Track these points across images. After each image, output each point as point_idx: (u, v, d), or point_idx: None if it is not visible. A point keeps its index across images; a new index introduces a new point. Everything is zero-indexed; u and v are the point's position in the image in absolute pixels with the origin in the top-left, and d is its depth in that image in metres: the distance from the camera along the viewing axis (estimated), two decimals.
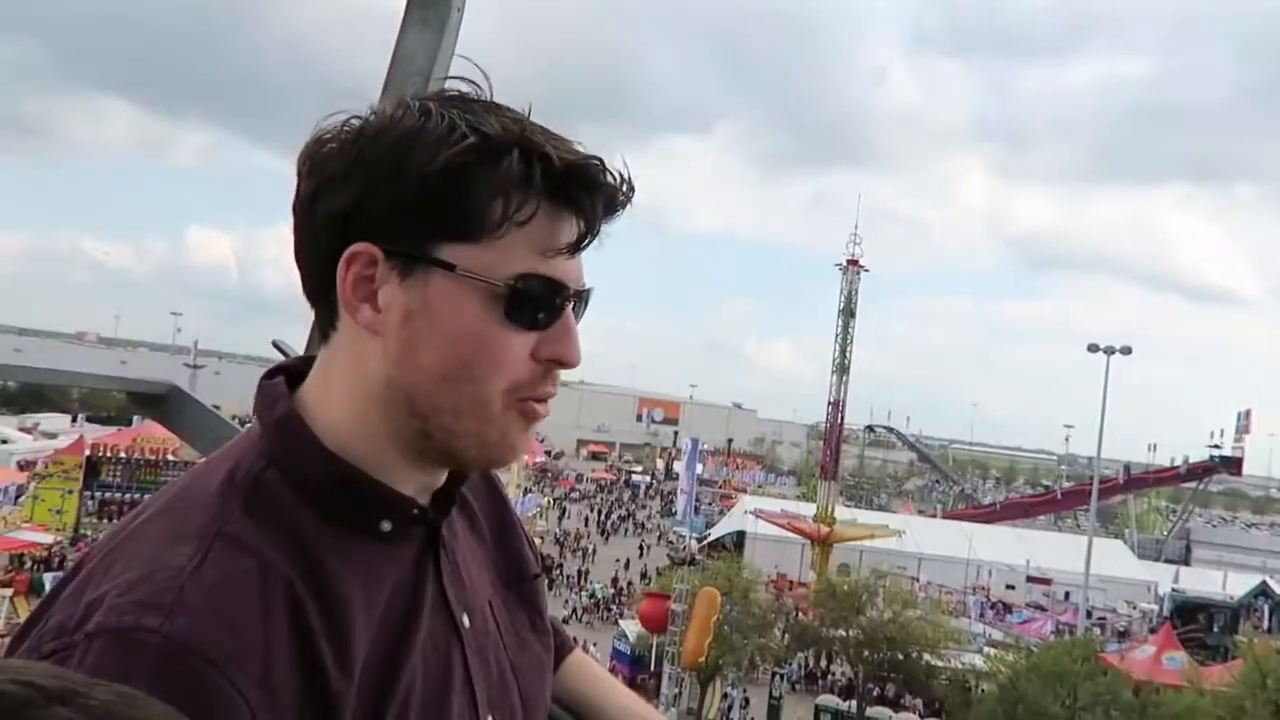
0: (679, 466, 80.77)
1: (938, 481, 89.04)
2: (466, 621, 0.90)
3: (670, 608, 22.09)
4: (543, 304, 0.81)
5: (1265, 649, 21.55)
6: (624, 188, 0.83)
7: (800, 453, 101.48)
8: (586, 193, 0.81)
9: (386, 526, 0.83)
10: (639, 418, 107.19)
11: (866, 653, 25.02)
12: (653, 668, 23.95)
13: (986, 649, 26.62)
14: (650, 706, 1.26)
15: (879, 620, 25.06)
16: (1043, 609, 39.42)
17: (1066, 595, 41.96)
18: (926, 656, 24.55)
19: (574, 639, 1.23)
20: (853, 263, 42.75)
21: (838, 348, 43.34)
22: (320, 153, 0.81)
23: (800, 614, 26.90)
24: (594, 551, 42.84)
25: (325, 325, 0.86)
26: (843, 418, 45.12)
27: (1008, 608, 39.90)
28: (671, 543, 45.76)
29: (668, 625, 22.05)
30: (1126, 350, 32.85)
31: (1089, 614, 40.40)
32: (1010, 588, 43.24)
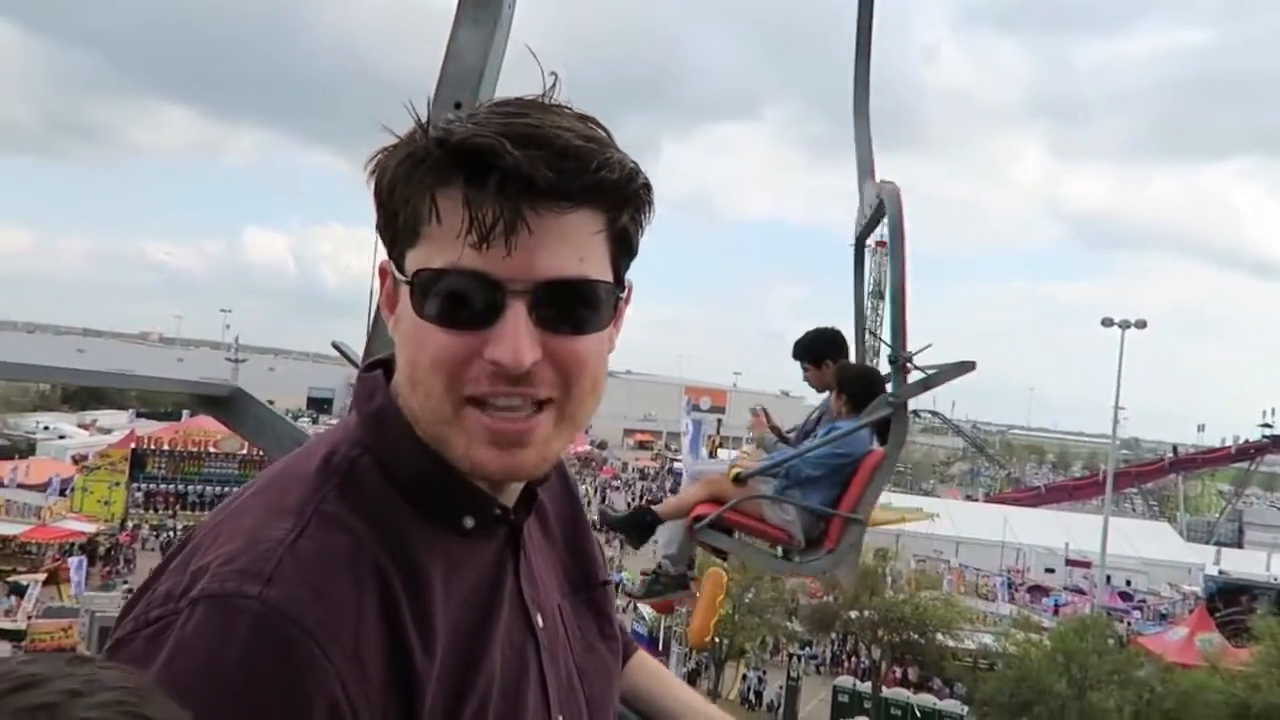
0: (723, 454, 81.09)
1: (985, 466, 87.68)
2: (540, 621, 0.93)
3: None
4: (455, 298, 0.79)
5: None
6: (548, 164, 0.76)
7: None
8: (478, 175, 0.77)
9: (469, 523, 0.87)
10: (694, 407, 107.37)
11: (883, 634, 25.01)
12: (659, 648, 24.27)
13: (1003, 630, 26.40)
14: (710, 702, 1.29)
15: (894, 601, 25.02)
16: (1081, 592, 38.84)
17: (1108, 579, 41.33)
18: (940, 636, 24.46)
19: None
20: (882, 244, 42.34)
21: (868, 331, 43.02)
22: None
23: (811, 596, 26.91)
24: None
25: None
26: None
27: (1044, 591, 39.42)
28: None
29: (674, 606, 22.28)
30: (1141, 324, 32.22)
31: (1129, 596, 39.81)
32: (1050, 571, 42.71)
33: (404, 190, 0.80)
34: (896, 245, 3.42)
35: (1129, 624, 34.90)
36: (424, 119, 0.79)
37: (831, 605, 25.67)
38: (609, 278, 0.83)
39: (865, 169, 4.15)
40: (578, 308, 0.81)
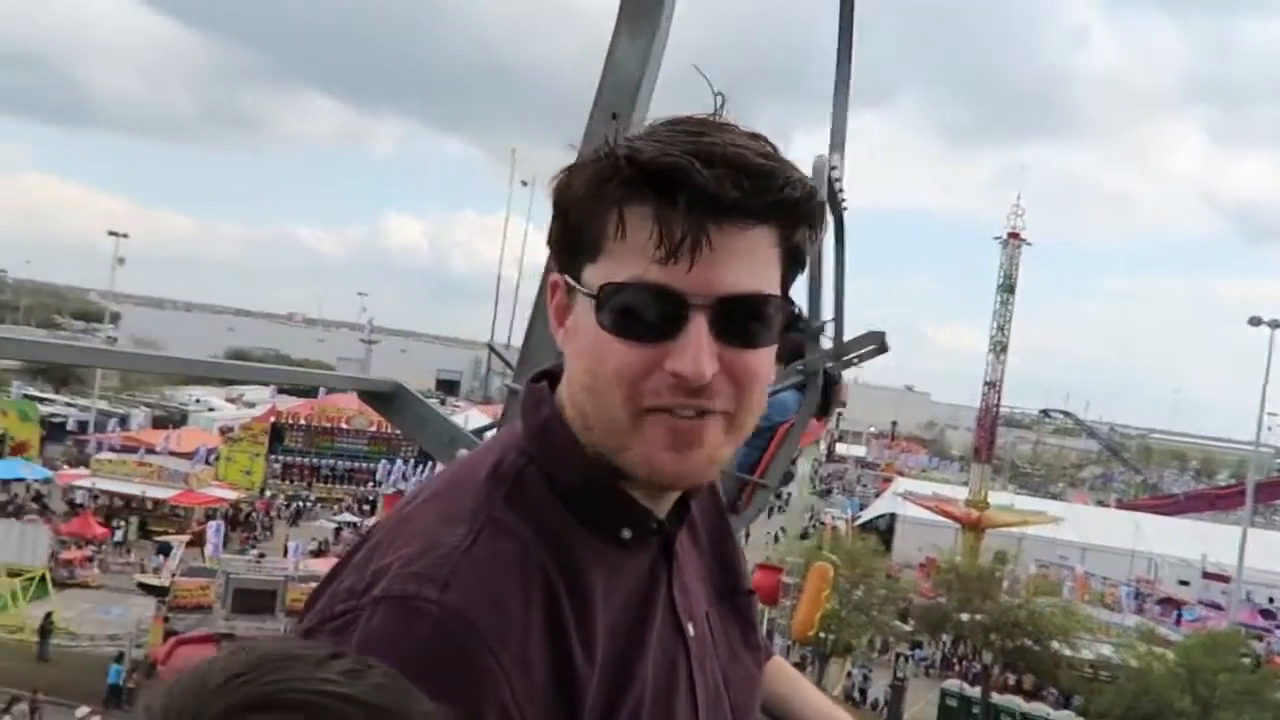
0: (841, 448, 79.91)
1: (1120, 470, 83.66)
2: (691, 630, 0.94)
3: (782, 579, 22.31)
4: (640, 312, 0.81)
5: None
6: (737, 183, 0.79)
7: (972, 438, 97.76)
8: (668, 192, 0.79)
9: (627, 534, 0.89)
10: None
11: (994, 638, 24.39)
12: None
13: (1126, 641, 25.32)
14: (839, 708, 1.30)
15: (1008, 605, 24.35)
16: (1217, 607, 36.78)
17: (1249, 595, 39.01)
18: (1056, 644, 23.68)
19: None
20: (1014, 236, 40.98)
21: (995, 325, 41.73)
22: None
23: (923, 595, 26.43)
24: (747, 534, 43.17)
25: None
26: (999, 398, 43.41)
27: (1176, 604, 37.51)
28: (824, 523, 45.55)
29: (779, 597, 22.29)
30: None
31: (1272, 614, 37.48)
32: (1184, 583, 40.60)
33: (589, 205, 0.82)
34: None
35: (1269, 644, 32.92)
36: (613, 138, 0.83)
37: (943, 606, 25.17)
38: (779, 292, 0.86)
39: (838, 141, 4.32)
40: (753, 322, 0.83)
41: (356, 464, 39.31)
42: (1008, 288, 41.37)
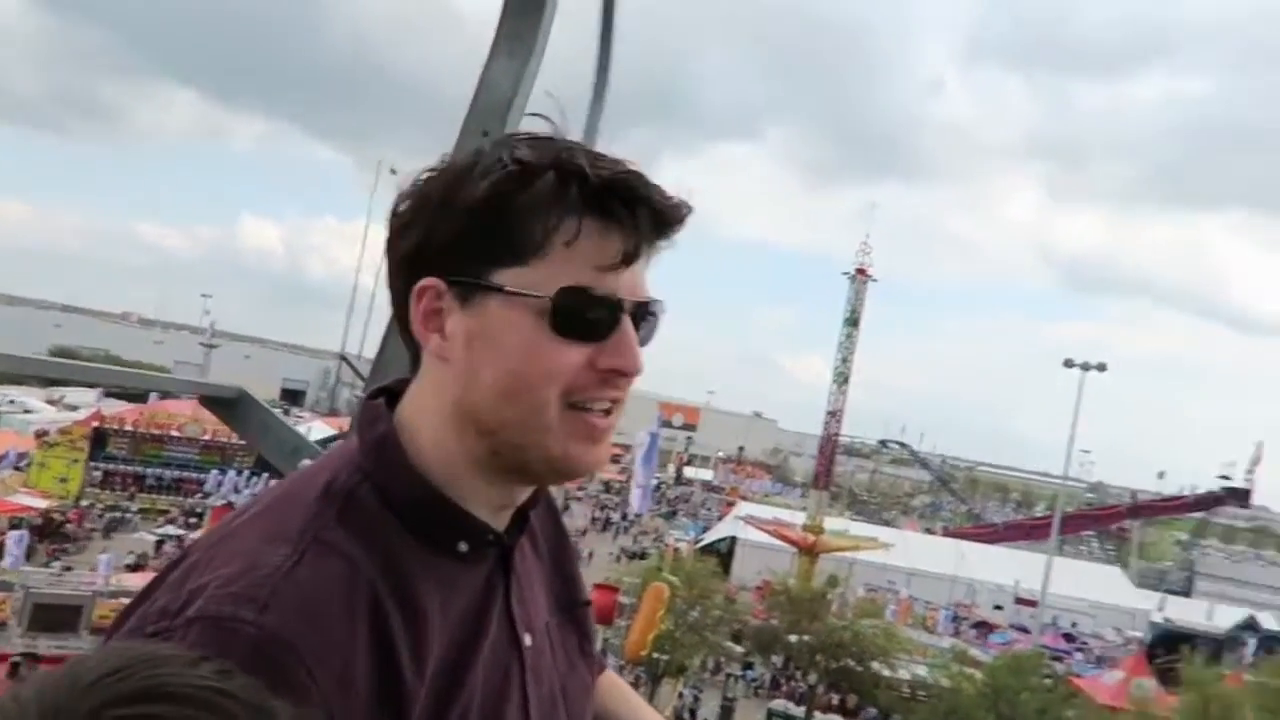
0: (690, 471, 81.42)
1: (948, 500, 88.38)
2: (528, 640, 0.96)
3: (618, 600, 22.54)
4: (590, 315, 0.86)
5: (1210, 677, 21.59)
6: (673, 202, 0.89)
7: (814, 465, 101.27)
8: (628, 207, 0.86)
9: (464, 547, 0.90)
10: (663, 423, 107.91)
11: (820, 658, 25.31)
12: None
13: (940, 663, 26.75)
14: None
15: (833, 627, 25.32)
16: (1026, 630, 39.28)
17: (1054, 620, 41.84)
18: (876, 665, 24.78)
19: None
20: (861, 272, 42.87)
21: (839, 357, 43.43)
22: (397, 206, 0.91)
23: (755, 617, 27.18)
24: (590, 554, 43.26)
25: (415, 361, 0.94)
26: (839, 428, 45.18)
27: (990, 627, 39.86)
28: (667, 545, 46.18)
29: (614, 617, 22.51)
30: (1101, 367, 32.83)
31: (1073, 638, 40.32)
32: (998, 608, 43.15)
33: (531, 211, 0.85)
34: None
35: (1068, 665, 35.39)
36: (557, 148, 0.87)
37: (773, 627, 25.94)
38: None
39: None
40: (652, 323, 0.92)
41: (186, 474, 37.33)
42: (852, 321, 43.18)
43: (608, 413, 0.90)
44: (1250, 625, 37.10)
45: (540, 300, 0.85)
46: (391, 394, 0.96)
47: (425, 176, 0.90)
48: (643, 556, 34.88)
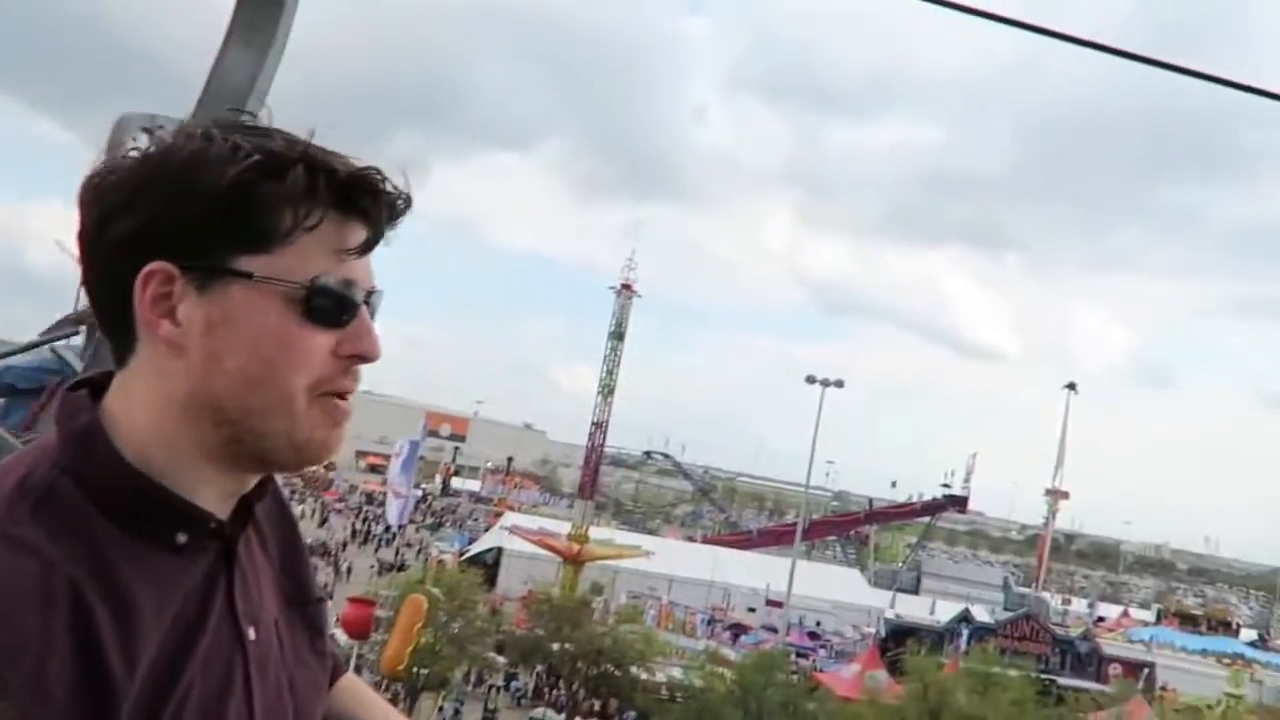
0: (457, 482, 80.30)
1: (708, 509, 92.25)
2: (252, 634, 0.93)
3: (375, 614, 21.82)
4: (339, 302, 0.87)
5: (929, 665, 23.80)
6: (403, 196, 0.92)
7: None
8: (371, 199, 0.89)
9: (182, 539, 0.87)
10: (430, 433, 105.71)
11: (580, 665, 25.64)
12: None
13: (695, 664, 27.83)
14: None
15: (594, 634, 25.73)
16: (775, 630, 41.60)
17: (801, 619, 44.59)
18: (635, 669, 25.41)
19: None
20: (626, 287, 43.99)
21: (605, 370, 44.37)
22: (104, 183, 0.86)
23: (518, 627, 27.20)
24: (349, 568, 41.61)
25: (121, 350, 0.89)
26: (604, 439, 46.13)
27: (744, 629, 41.91)
28: (431, 557, 45.24)
29: (370, 631, 21.77)
30: (839, 383, 35.70)
31: (818, 635, 43.15)
32: (752, 610, 45.46)
33: (279, 203, 0.85)
34: None
35: (814, 661, 37.84)
36: (292, 141, 0.88)
37: (533, 636, 26.02)
38: None
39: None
40: (375, 310, 0.93)
41: None
42: (618, 335, 44.25)
43: (346, 398, 0.91)
44: (965, 618, 41.02)
45: (292, 288, 0.85)
46: (97, 386, 0.92)
47: (134, 156, 0.87)
48: (401, 569, 33.96)
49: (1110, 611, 65.31)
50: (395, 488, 28.92)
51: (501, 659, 27.67)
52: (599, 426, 44.91)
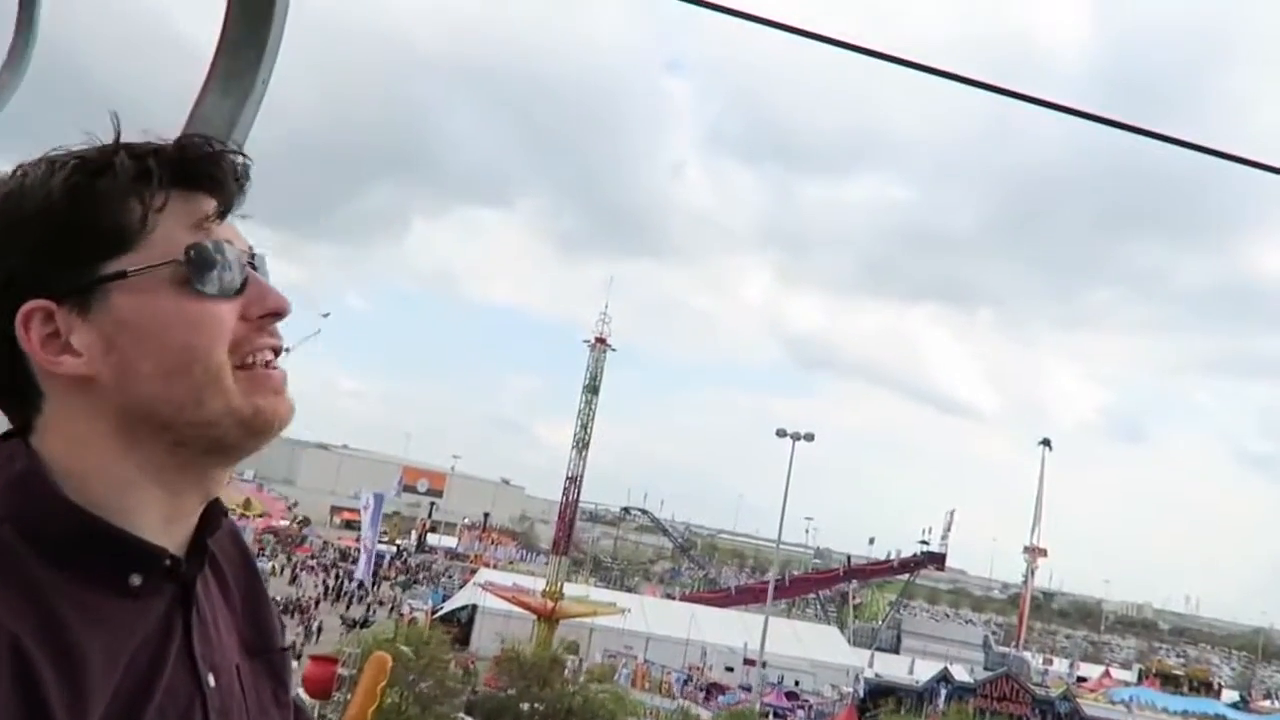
0: (433, 538, 79.26)
1: (687, 565, 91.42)
2: (212, 681, 0.88)
3: (337, 672, 21.29)
4: (220, 265, 0.84)
5: None
6: (237, 151, 0.90)
7: None
8: (208, 164, 0.86)
9: (137, 580, 0.82)
10: (406, 488, 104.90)
11: None
12: None
13: None
14: None
15: (563, 693, 25.22)
16: (747, 689, 40.95)
17: (780, 679, 43.96)
18: None
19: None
20: (600, 341, 43.98)
21: (579, 424, 44.11)
22: None
23: (488, 686, 26.62)
24: (320, 626, 40.76)
25: (25, 407, 0.85)
26: (579, 493, 45.70)
27: (721, 689, 41.23)
28: (403, 614, 44.44)
29: (333, 690, 21.22)
30: (810, 437, 35.68)
31: (796, 695, 42.50)
32: (730, 669, 44.80)
33: (119, 197, 0.82)
34: None
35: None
36: (103, 143, 0.85)
37: (501, 696, 25.45)
38: None
39: None
40: (264, 271, 0.90)
41: None
42: (592, 389, 44.11)
43: (274, 365, 0.88)
44: (944, 677, 40.64)
45: (171, 267, 0.82)
46: (24, 434, 0.87)
47: None
48: (365, 624, 33.29)
49: (1092, 671, 64.69)
50: (365, 542, 28.49)
51: (469, 719, 27.02)
52: (573, 481, 44.54)
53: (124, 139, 0.86)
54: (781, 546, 50.03)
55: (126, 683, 0.80)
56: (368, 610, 45.60)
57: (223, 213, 0.88)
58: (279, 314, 0.89)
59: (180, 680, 0.85)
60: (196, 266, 0.83)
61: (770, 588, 42.98)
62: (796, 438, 35.45)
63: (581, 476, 44.47)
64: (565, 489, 44.90)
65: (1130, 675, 64.16)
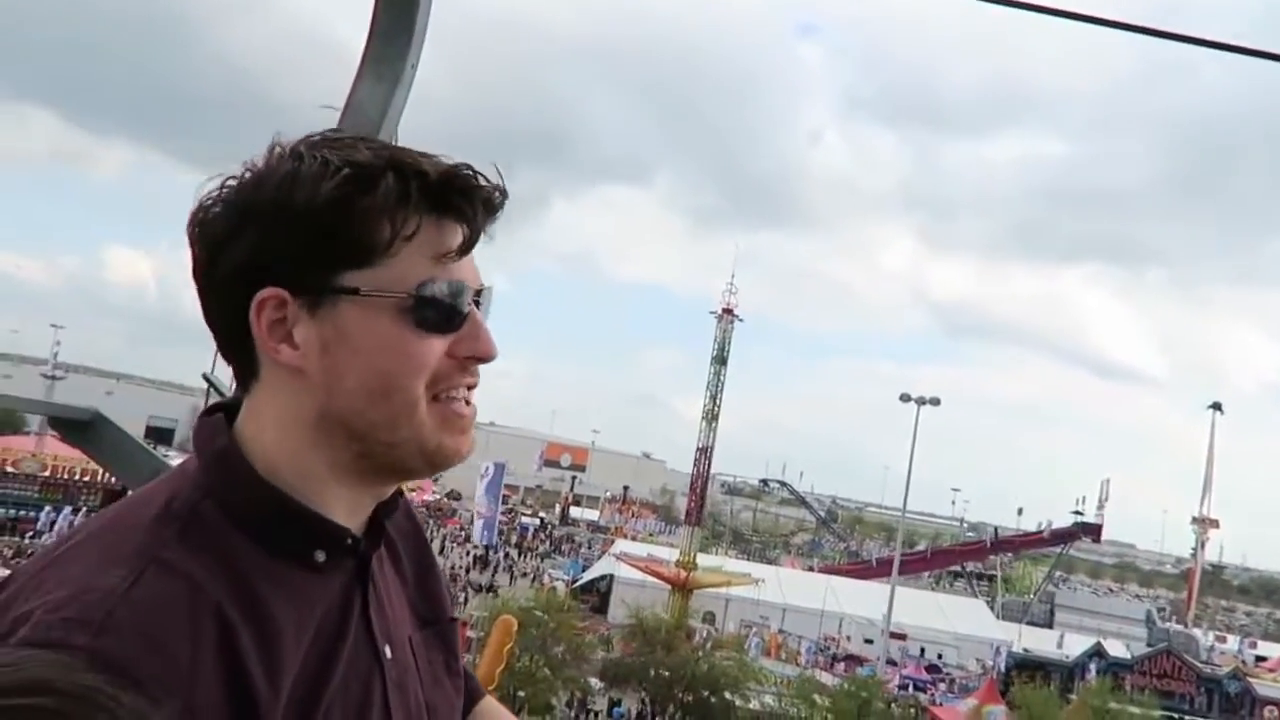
0: (576, 511, 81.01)
1: (828, 538, 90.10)
2: (389, 652, 0.94)
3: (466, 634, 22.15)
4: (447, 305, 0.87)
5: (1037, 698, 22.46)
6: (497, 189, 0.91)
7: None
8: (465, 197, 0.88)
9: (321, 556, 0.88)
10: (548, 463, 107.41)
11: (678, 691, 25.32)
12: None
13: (791, 692, 27.09)
14: None
15: (688, 659, 25.41)
16: (894, 663, 40.12)
17: (922, 651, 42.89)
18: (728, 695, 24.94)
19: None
20: (727, 311, 43.68)
21: (709, 395, 44.04)
22: (206, 219, 0.88)
23: (622, 652, 27.08)
24: (467, 596, 42.41)
25: (245, 376, 0.91)
26: (709, 465, 45.67)
27: (859, 660, 40.56)
28: (543, 583, 45.71)
29: (462, 652, 22.10)
30: (935, 401, 34.31)
31: (938, 669, 41.37)
32: (869, 641, 44.00)
33: (376, 215, 0.85)
34: None
35: (932, 695, 36.25)
36: (378, 148, 0.89)
37: (628, 661, 25.86)
38: None
39: None
40: (486, 308, 0.93)
41: (24, 511, 35.23)
42: (721, 360, 43.90)
43: (468, 401, 0.92)
44: (1097, 652, 38.71)
45: (400, 298, 0.85)
46: (230, 410, 0.93)
47: (232, 186, 0.88)
48: (492, 590, 34.40)
49: (1275, 650, 60.20)
50: (480, 509, 29.32)
51: (601, 684, 27.62)
52: (704, 452, 44.54)
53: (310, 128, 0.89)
54: (931, 519, 48.53)
55: (312, 653, 0.85)
56: (493, 575, 47.15)
57: (465, 248, 0.90)
58: (482, 360, 0.92)
59: (360, 652, 0.90)
60: (420, 307, 0.86)
61: (895, 560, 41.79)
62: (921, 402, 34.25)
63: (712, 448, 44.43)
64: (696, 460, 44.97)
65: None
